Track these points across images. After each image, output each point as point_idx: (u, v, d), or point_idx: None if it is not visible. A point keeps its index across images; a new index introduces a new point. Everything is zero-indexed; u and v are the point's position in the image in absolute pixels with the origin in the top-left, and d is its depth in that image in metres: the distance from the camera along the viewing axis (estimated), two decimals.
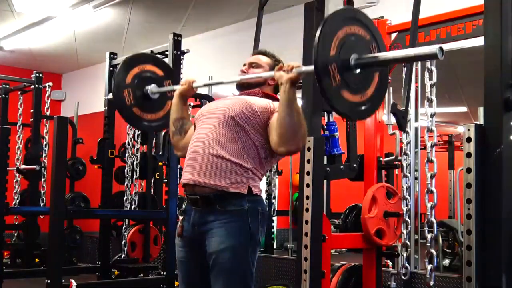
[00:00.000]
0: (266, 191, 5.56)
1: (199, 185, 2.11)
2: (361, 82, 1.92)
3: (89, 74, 8.06)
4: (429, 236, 3.10)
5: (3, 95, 6.26)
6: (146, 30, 6.27)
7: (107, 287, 4.79)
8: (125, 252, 5.07)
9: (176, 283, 4.30)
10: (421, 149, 4.08)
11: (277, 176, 5.63)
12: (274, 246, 5.96)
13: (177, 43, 4.48)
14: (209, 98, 5.29)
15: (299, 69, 1.95)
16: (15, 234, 6.56)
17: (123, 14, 5.76)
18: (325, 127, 3.23)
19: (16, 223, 6.39)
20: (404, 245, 3.33)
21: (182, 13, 5.75)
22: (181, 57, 4.66)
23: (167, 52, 4.56)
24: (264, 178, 5.50)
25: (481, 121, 2.63)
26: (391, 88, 3.47)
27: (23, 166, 5.94)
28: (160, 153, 4.65)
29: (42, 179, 5.97)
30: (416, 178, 3.83)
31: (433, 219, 3.08)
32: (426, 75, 3.22)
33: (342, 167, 3.23)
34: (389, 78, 3.38)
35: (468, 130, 2.47)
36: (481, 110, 3.04)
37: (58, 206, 3.79)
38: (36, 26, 6.05)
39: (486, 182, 2.45)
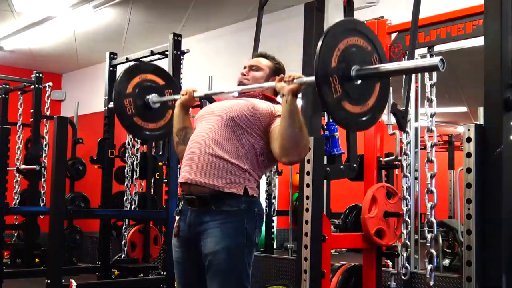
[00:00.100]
0: (266, 191, 5.56)
1: (195, 184, 2.11)
2: (362, 93, 1.92)
3: (89, 74, 8.06)
4: (429, 236, 3.10)
5: (3, 95, 6.27)
6: (146, 30, 6.27)
7: (107, 287, 4.79)
8: (125, 252, 5.07)
9: (176, 283, 4.29)
10: (421, 149, 4.08)
11: (277, 176, 5.62)
12: (274, 246, 5.95)
13: (177, 43, 4.48)
14: (209, 98, 5.29)
15: (300, 79, 1.95)
16: (15, 234, 6.56)
17: (123, 14, 5.76)
18: (325, 127, 3.23)
19: (16, 223, 6.39)
20: (404, 245, 3.33)
21: (182, 13, 5.75)
22: (181, 57, 4.66)
23: (167, 52, 4.56)
24: (264, 178, 5.51)
25: (481, 121, 2.63)
26: (391, 88, 3.47)
27: (23, 166, 5.94)
28: (160, 153, 4.64)
29: (42, 179, 5.97)
30: (416, 178, 3.83)
31: (433, 219, 3.08)
32: (426, 75, 3.23)
33: (342, 167, 3.23)
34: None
35: (468, 130, 2.47)
36: (481, 110, 3.04)
37: (58, 206, 3.79)
38: (36, 26, 6.05)
39: (486, 182, 2.45)
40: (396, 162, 3.47)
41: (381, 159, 3.46)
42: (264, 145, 2.14)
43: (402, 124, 3.02)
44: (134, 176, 5.23)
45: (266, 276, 4.62)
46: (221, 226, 2.08)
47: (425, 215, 3.13)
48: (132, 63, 4.97)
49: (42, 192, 5.99)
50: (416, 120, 4.02)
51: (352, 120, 1.92)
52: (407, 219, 3.32)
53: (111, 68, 5.13)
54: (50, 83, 6.10)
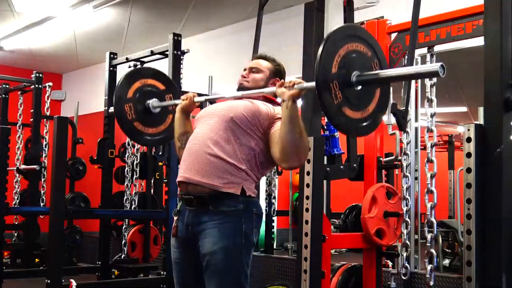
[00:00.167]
0: (266, 191, 5.56)
1: (193, 183, 2.12)
2: (363, 99, 1.93)
3: (89, 74, 8.06)
4: (429, 236, 3.10)
5: (3, 95, 6.27)
6: (146, 30, 6.27)
7: (107, 287, 4.79)
8: (125, 252, 5.07)
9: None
10: (421, 149, 4.08)
11: (277, 176, 5.63)
12: (274, 246, 5.96)
13: (177, 43, 4.48)
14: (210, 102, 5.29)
15: (300, 85, 1.95)
16: (15, 234, 6.56)
17: (123, 14, 5.76)
18: (325, 127, 3.23)
19: (16, 223, 6.39)
20: (404, 245, 3.33)
21: (182, 13, 5.75)
22: (181, 57, 4.66)
23: (167, 52, 4.56)
24: (264, 178, 5.51)
25: (481, 121, 2.63)
26: (391, 88, 3.47)
27: (23, 166, 5.94)
28: (160, 153, 4.64)
29: (42, 179, 5.97)
30: (416, 178, 3.83)
31: (433, 219, 3.08)
32: None
33: (342, 167, 3.23)
34: None
35: (468, 130, 2.47)
36: (481, 110, 3.04)
37: (58, 206, 3.79)
38: (36, 26, 6.05)
39: (486, 182, 2.45)
40: (396, 162, 3.47)
41: (381, 159, 3.46)
42: (263, 147, 2.15)
43: (402, 124, 3.02)
44: (134, 176, 5.23)
45: (266, 276, 4.62)
46: (219, 226, 2.08)
47: (425, 215, 3.13)
48: (132, 63, 4.98)
49: (42, 192, 5.99)
50: (416, 120, 4.02)
51: (352, 125, 1.92)
52: (407, 219, 3.32)
53: (111, 68, 5.13)
54: (50, 83, 6.10)
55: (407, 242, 3.33)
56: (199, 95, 4.26)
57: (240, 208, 2.09)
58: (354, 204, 3.57)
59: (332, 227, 3.40)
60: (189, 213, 2.16)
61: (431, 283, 3.10)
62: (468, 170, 2.46)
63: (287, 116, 1.97)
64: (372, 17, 3.55)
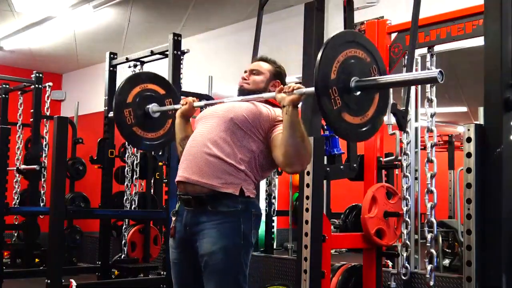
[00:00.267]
0: (266, 191, 5.56)
1: (191, 183, 2.11)
2: (362, 104, 1.94)
3: (89, 74, 8.07)
4: (429, 236, 3.10)
5: (3, 95, 6.26)
6: (146, 30, 6.27)
7: (107, 287, 4.78)
8: (125, 252, 5.07)
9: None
10: (421, 149, 4.08)
11: (277, 176, 5.62)
12: (274, 246, 5.96)
13: (177, 43, 4.48)
14: (209, 98, 5.29)
15: (300, 90, 1.96)
16: (15, 234, 6.56)
17: (123, 14, 5.76)
18: (325, 127, 3.23)
19: (16, 223, 6.39)
20: (404, 245, 3.33)
21: (182, 13, 5.75)
22: (181, 57, 4.66)
23: (167, 52, 4.55)
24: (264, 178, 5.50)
25: (481, 121, 2.63)
26: (391, 90, 3.47)
27: (23, 166, 5.94)
28: (160, 153, 4.64)
29: (42, 179, 5.97)
30: (416, 178, 3.83)
31: (433, 219, 3.08)
32: None
33: (342, 167, 3.23)
34: None
35: (468, 130, 2.48)
36: (481, 110, 3.04)
37: (58, 206, 3.79)
38: (36, 26, 6.05)
39: (486, 182, 2.45)
40: (396, 162, 3.47)
41: (381, 159, 3.46)
42: (263, 149, 2.15)
43: (402, 124, 3.02)
44: (134, 176, 5.23)
45: (266, 276, 4.62)
46: (217, 226, 2.08)
47: (425, 215, 3.13)
48: (132, 63, 4.98)
49: (42, 192, 5.99)
50: (416, 120, 4.02)
51: (352, 131, 1.93)
52: (407, 219, 3.32)
53: (111, 68, 5.12)
54: (50, 83, 6.10)
55: (407, 242, 3.33)
56: (199, 95, 4.27)
57: (239, 209, 2.09)
58: (354, 204, 3.57)
59: (332, 227, 3.40)
60: (187, 213, 2.16)
61: (431, 283, 3.10)
62: (468, 170, 2.47)
63: (288, 121, 1.97)
64: (372, 17, 3.55)
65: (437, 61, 3.22)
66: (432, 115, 3.17)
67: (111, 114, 2.78)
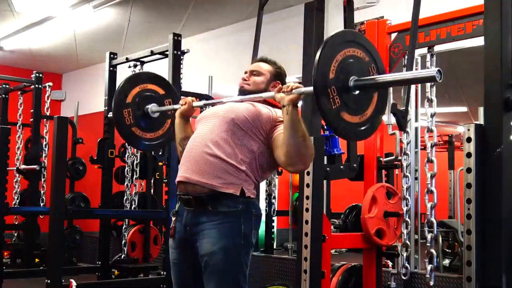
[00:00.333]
0: (266, 191, 5.56)
1: (192, 183, 2.11)
2: (360, 103, 1.94)
3: (89, 74, 8.07)
4: (429, 236, 3.10)
5: (3, 95, 6.26)
6: (146, 30, 6.27)
7: (107, 287, 4.78)
8: (125, 252, 5.07)
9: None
10: (421, 149, 4.08)
11: (277, 176, 5.62)
12: (274, 246, 5.96)
13: (177, 43, 4.48)
14: (209, 98, 5.29)
15: (298, 90, 1.96)
16: (15, 234, 6.56)
17: (123, 14, 5.76)
18: (325, 127, 3.23)
19: (16, 223, 6.39)
20: (404, 245, 3.33)
21: (182, 13, 5.75)
22: (181, 57, 4.66)
23: (167, 52, 4.55)
24: None
25: (481, 121, 2.63)
26: (391, 88, 3.47)
27: (23, 166, 5.94)
28: (160, 153, 4.64)
29: (42, 179, 5.97)
30: (416, 178, 3.83)
31: (433, 219, 3.08)
32: None
33: (342, 167, 3.23)
34: None
35: (468, 130, 2.48)
36: (481, 110, 3.04)
37: (58, 206, 3.79)
38: (36, 26, 6.05)
39: (486, 182, 2.45)
40: (396, 162, 3.47)
41: (381, 159, 3.46)
42: (264, 149, 2.15)
43: (402, 124, 3.02)
44: (134, 176, 5.23)
45: (266, 276, 4.62)
46: (218, 226, 2.08)
47: (425, 215, 3.13)
48: (132, 63, 4.98)
49: (42, 192, 5.99)
50: (416, 120, 4.02)
51: (351, 130, 1.93)
52: (407, 219, 3.32)
53: (111, 68, 5.12)
54: (50, 83, 6.10)
55: (407, 242, 3.33)
56: (199, 95, 4.27)
57: (239, 209, 2.09)
58: (354, 204, 3.57)
59: (332, 227, 3.40)
60: (187, 213, 2.15)
61: (431, 283, 3.10)
62: (468, 170, 2.47)
63: (288, 121, 1.97)
64: (372, 17, 3.55)
65: (437, 61, 3.22)
66: (432, 115, 3.16)
67: (110, 114, 2.77)
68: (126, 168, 5.27)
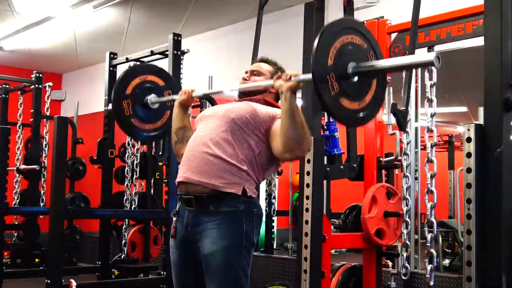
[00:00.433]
0: (266, 191, 5.56)
1: (193, 183, 2.11)
2: (359, 90, 1.94)
3: (89, 74, 8.06)
4: (429, 236, 3.10)
5: (3, 95, 6.26)
6: (146, 30, 6.27)
7: (107, 287, 4.78)
8: (125, 252, 5.07)
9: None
10: (421, 149, 4.07)
11: (277, 176, 5.63)
12: (274, 246, 5.96)
13: (177, 43, 4.48)
14: (208, 98, 5.29)
15: (297, 77, 1.97)
16: (15, 234, 6.56)
17: (123, 14, 5.76)
18: (325, 127, 3.23)
19: (16, 223, 6.39)
20: (404, 245, 3.33)
21: (182, 13, 5.75)
22: (181, 57, 4.66)
23: (167, 52, 4.56)
24: None
25: (481, 121, 2.63)
26: (391, 88, 3.47)
27: (23, 166, 5.94)
28: (160, 153, 4.64)
29: (42, 179, 5.97)
30: (416, 178, 3.83)
31: (433, 219, 3.08)
32: (426, 75, 3.22)
33: (342, 167, 3.23)
34: (389, 78, 3.40)
35: (468, 130, 2.47)
36: (481, 110, 3.04)
37: (58, 206, 3.79)
38: (36, 26, 6.05)
39: (486, 182, 2.45)
40: (396, 162, 3.47)
41: (381, 159, 3.46)
42: (264, 148, 2.15)
43: (402, 124, 3.02)
44: (134, 176, 5.23)
45: (266, 276, 4.62)
46: (219, 226, 2.08)
47: (425, 215, 3.13)
48: (132, 63, 4.98)
49: (42, 192, 5.99)
50: (416, 120, 4.02)
51: (349, 116, 1.94)
52: (407, 219, 3.32)
53: (111, 68, 5.12)
54: (50, 83, 6.10)
55: (407, 242, 3.33)
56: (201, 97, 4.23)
57: (241, 209, 2.09)
58: (354, 204, 3.57)
59: (332, 227, 3.40)
60: (188, 213, 2.15)
61: (431, 283, 3.10)
62: (468, 170, 2.46)
63: (286, 107, 1.98)
64: (372, 17, 3.55)
65: None
66: (432, 115, 3.16)
67: (110, 106, 2.79)
68: (126, 168, 5.27)
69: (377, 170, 3.43)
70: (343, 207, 3.66)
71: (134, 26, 6.11)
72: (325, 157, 3.18)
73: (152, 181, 5.51)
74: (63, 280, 3.76)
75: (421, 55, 1.82)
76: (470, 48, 3.85)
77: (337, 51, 1.86)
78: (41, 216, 6.04)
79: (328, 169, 3.14)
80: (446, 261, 5.27)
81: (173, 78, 2.99)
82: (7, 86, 6.30)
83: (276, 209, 5.79)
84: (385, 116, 3.54)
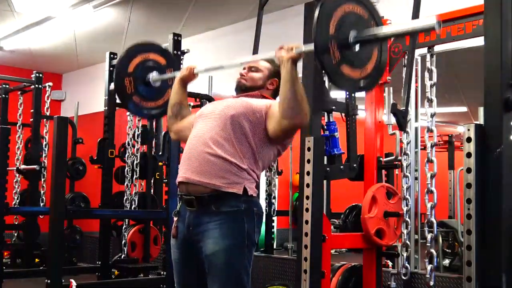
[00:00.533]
0: (266, 191, 5.56)
1: (193, 183, 2.11)
2: (361, 58, 1.98)
3: (89, 74, 8.06)
4: (429, 236, 3.10)
5: (3, 95, 6.26)
6: (146, 30, 6.27)
7: (107, 287, 4.78)
8: (125, 252, 5.07)
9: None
10: (421, 149, 4.08)
11: (277, 176, 5.62)
12: (274, 246, 5.96)
13: (177, 43, 4.48)
14: (209, 98, 5.29)
15: (299, 49, 1.99)
16: (15, 234, 6.55)
17: (123, 14, 5.76)
18: (325, 127, 3.23)
19: (16, 223, 6.39)
20: (404, 245, 3.33)
21: (182, 13, 5.75)
22: (181, 57, 4.66)
23: None
24: (264, 178, 5.51)
25: (481, 121, 2.63)
26: (391, 88, 3.47)
27: (23, 166, 5.94)
28: (160, 153, 4.64)
29: (42, 179, 5.97)
30: (416, 178, 3.83)
31: (433, 219, 3.08)
32: (426, 75, 3.22)
33: (342, 167, 3.23)
34: (389, 78, 3.40)
35: (468, 130, 2.47)
36: (481, 110, 3.04)
37: (58, 206, 3.79)
38: (36, 26, 6.05)
39: (486, 182, 2.45)
40: (396, 162, 3.47)
41: (381, 159, 3.46)
42: (263, 140, 2.15)
43: (402, 124, 3.02)
44: (134, 176, 5.23)
45: (266, 276, 4.62)
46: (221, 226, 2.08)
47: (425, 215, 3.13)
48: None
49: (42, 192, 5.98)
50: (416, 120, 4.02)
51: (351, 84, 1.98)
52: (407, 219, 3.32)
53: (111, 68, 5.11)
54: (50, 83, 6.09)
55: (407, 242, 3.33)
56: (199, 96, 4.26)
57: (242, 208, 2.09)
58: (354, 204, 3.57)
59: (332, 227, 3.40)
60: (190, 214, 2.15)
61: (431, 283, 3.10)
62: (468, 170, 2.46)
63: (287, 77, 2.00)
64: None
65: (437, 61, 3.22)
66: (432, 115, 3.16)
67: (112, 87, 2.82)
68: (126, 168, 5.27)
69: (377, 170, 3.43)
70: (343, 207, 3.66)
71: (134, 26, 6.11)
72: (325, 157, 3.18)
73: (152, 181, 5.50)
74: (63, 280, 3.76)
75: (422, 20, 1.85)
76: (470, 48, 3.85)
77: (338, 21, 1.88)
78: (41, 216, 6.04)
79: (328, 169, 3.14)
80: (446, 261, 5.27)
81: (175, 58, 3.01)
82: (7, 86, 6.29)
83: (276, 209, 5.79)
84: (385, 116, 3.54)
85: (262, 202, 5.36)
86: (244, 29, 5.74)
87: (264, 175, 5.50)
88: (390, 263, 4.42)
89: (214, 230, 2.08)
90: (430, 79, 3.20)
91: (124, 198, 5.25)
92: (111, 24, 6.08)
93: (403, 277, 3.40)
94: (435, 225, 3.09)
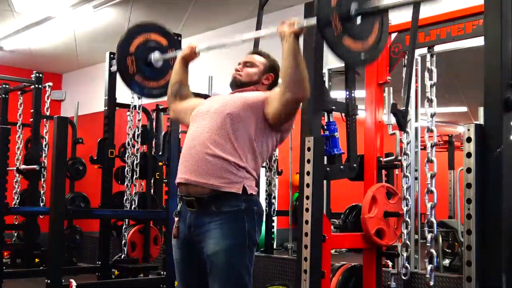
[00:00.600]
0: (266, 191, 5.55)
1: (193, 184, 2.11)
2: (362, 31, 2.00)
3: (89, 74, 8.06)
4: (429, 236, 3.10)
5: (3, 95, 6.26)
6: None
7: (107, 287, 4.79)
8: (125, 252, 5.07)
9: (176, 283, 4.29)
10: (421, 149, 4.08)
11: (277, 176, 5.62)
12: (274, 246, 5.95)
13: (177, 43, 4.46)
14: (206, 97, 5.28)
15: (301, 24, 2.01)
16: (15, 234, 6.55)
17: (123, 14, 5.76)
18: (325, 127, 3.23)
19: (16, 223, 6.39)
20: (404, 245, 3.33)
21: (182, 13, 5.75)
22: None
23: None
24: (264, 178, 5.50)
25: (481, 121, 2.63)
26: (391, 88, 3.47)
27: (23, 166, 5.93)
28: (160, 153, 4.64)
29: (42, 179, 5.97)
30: (416, 178, 3.83)
31: (433, 219, 3.08)
32: (426, 75, 3.22)
33: (342, 167, 3.23)
34: (389, 78, 3.40)
35: (468, 130, 2.47)
36: (481, 110, 3.04)
37: (58, 206, 3.79)
38: (36, 26, 6.05)
39: (486, 182, 2.45)
40: (396, 162, 3.46)
41: (381, 159, 3.46)
42: (262, 130, 2.16)
43: (402, 124, 3.02)
44: (134, 176, 5.23)
45: (266, 276, 4.62)
46: (221, 226, 2.08)
47: (425, 215, 3.13)
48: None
49: (42, 192, 5.99)
50: (416, 120, 4.02)
51: (352, 56, 2.00)
52: (407, 219, 3.32)
53: (111, 68, 5.11)
54: (50, 83, 6.09)
55: (407, 242, 3.33)
56: (199, 96, 4.26)
57: (242, 208, 2.10)
58: (354, 204, 3.56)
59: (332, 227, 3.40)
60: (190, 214, 2.15)
61: (431, 283, 3.10)
62: (468, 170, 2.46)
63: (289, 50, 2.01)
64: None
65: (437, 61, 3.22)
66: (432, 115, 3.16)
67: (114, 68, 2.84)
68: (126, 168, 5.27)
69: (377, 170, 3.43)
70: (343, 207, 3.66)
71: None
72: (325, 157, 3.18)
73: (152, 181, 5.50)
74: (63, 280, 3.76)
75: None
76: (470, 48, 3.85)
77: None
78: (41, 216, 6.04)
79: (328, 169, 3.14)
80: (446, 261, 5.26)
81: (177, 38, 3.03)
82: (7, 86, 6.29)
83: (276, 209, 5.78)
84: (385, 116, 3.54)
85: (262, 202, 5.35)
86: (244, 29, 5.74)
87: (264, 175, 5.50)
88: (390, 263, 4.42)
89: (215, 230, 2.08)
90: (430, 79, 3.20)
91: (124, 198, 5.24)
92: (111, 24, 6.08)
93: (403, 277, 3.40)
94: (435, 225, 3.09)
